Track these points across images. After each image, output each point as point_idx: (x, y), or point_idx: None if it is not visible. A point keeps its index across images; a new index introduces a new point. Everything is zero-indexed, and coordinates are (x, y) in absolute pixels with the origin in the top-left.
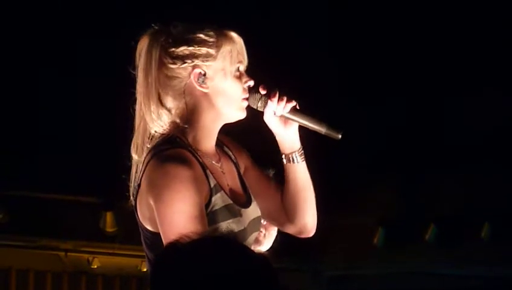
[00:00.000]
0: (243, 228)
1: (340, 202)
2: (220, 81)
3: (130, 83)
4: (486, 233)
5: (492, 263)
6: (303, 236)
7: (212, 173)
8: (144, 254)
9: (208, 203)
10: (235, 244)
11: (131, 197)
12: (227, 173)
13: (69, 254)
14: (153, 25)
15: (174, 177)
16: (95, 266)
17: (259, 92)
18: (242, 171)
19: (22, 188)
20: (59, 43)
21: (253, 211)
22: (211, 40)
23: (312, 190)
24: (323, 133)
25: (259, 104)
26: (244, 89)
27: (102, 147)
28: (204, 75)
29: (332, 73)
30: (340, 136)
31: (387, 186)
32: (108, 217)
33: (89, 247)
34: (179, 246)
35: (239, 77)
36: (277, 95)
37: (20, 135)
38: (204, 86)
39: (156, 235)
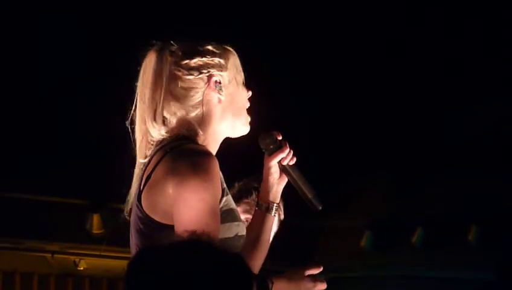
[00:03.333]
0: (244, 233)
1: (327, 205)
2: (233, 90)
3: (118, 86)
4: (473, 236)
5: (479, 266)
6: None
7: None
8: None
9: (220, 202)
10: (212, 245)
11: (132, 198)
12: (224, 183)
13: (55, 255)
14: (154, 42)
15: (200, 167)
16: (82, 268)
17: (274, 135)
18: None
19: (9, 189)
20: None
21: None
22: (219, 51)
23: (268, 246)
24: (307, 197)
25: (271, 147)
26: (247, 99)
27: (90, 149)
28: (220, 83)
29: (331, 68)
30: (320, 208)
31: (374, 189)
32: (95, 219)
33: (76, 249)
34: (154, 249)
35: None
36: (288, 145)
37: (6, 136)
38: (221, 93)
39: (164, 227)
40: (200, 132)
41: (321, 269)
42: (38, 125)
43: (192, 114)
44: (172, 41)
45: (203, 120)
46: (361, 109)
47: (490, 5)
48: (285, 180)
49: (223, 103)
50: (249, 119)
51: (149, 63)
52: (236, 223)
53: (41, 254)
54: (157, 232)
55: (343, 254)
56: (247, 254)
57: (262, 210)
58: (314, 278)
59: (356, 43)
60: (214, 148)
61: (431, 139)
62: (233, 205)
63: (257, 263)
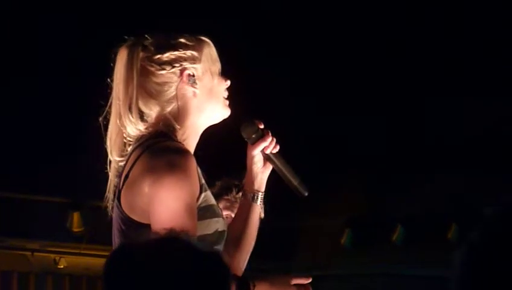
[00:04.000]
0: (224, 229)
1: (307, 203)
2: (208, 82)
3: (97, 84)
4: (453, 234)
5: None
6: None
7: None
8: None
9: (197, 199)
10: (189, 243)
11: (110, 195)
12: (202, 179)
13: (35, 253)
14: (126, 37)
15: (176, 165)
16: (62, 266)
17: (256, 124)
18: None
19: None
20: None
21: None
22: (192, 43)
23: (255, 238)
24: (292, 184)
25: (253, 136)
26: (225, 88)
27: (70, 148)
28: (194, 76)
29: (310, 73)
30: (306, 194)
31: (354, 187)
32: (76, 217)
33: (56, 247)
34: (131, 246)
35: (220, 76)
36: (270, 133)
37: None
38: (195, 86)
39: (143, 227)
40: (178, 127)
41: (310, 280)
42: (20, 123)
43: (168, 109)
44: (146, 35)
45: (180, 114)
46: (343, 106)
47: (490, 5)
48: (269, 168)
49: (199, 96)
50: (227, 102)
51: (120, 60)
52: (215, 219)
53: (21, 252)
54: (137, 231)
55: (324, 252)
56: (234, 245)
57: (248, 200)
58: (300, 288)
59: (347, 40)
60: (194, 141)
61: (413, 138)
62: (212, 200)
63: (245, 253)
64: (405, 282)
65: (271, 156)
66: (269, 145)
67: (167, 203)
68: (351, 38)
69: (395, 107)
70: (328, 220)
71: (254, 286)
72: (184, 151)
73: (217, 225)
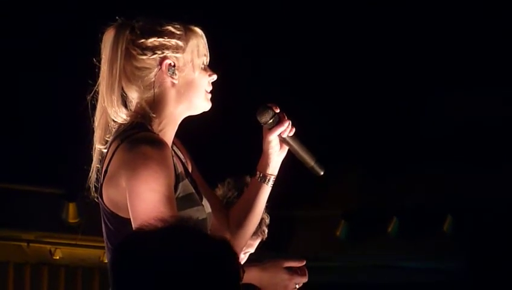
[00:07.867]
0: (205, 217)
1: (303, 195)
2: (188, 73)
3: (90, 74)
4: (448, 226)
5: (454, 256)
6: None
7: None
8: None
9: (175, 190)
10: (197, 230)
11: (92, 187)
12: (179, 168)
13: (31, 244)
14: (117, 18)
15: (151, 157)
16: (57, 257)
17: (271, 108)
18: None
19: None
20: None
21: (207, 205)
22: (179, 32)
23: (259, 219)
24: (309, 164)
25: (270, 121)
26: (208, 81)
27: (65, 137)
28: (174, 66)
29: (301, 61)
30: (322, 173)
31: (350, 179)
32: (71, 208)
33: (51, 238)
34: (141, 234)
35: (204, 70)
36: (286, 117)
37: None
38: (174, 77)
39: (123, 221)
40: (154, 116)
41: (303, 263)
42: (15, 114)
43: (145, 95)
44: (138, 17)
45: (156, 102)
46: (337, 99)
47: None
48: (285, 150)
49: (177, 86)
50: (209, 96)
51: (107, 40)
52: (195, 208)
53: (17, 243)
54: (123, 226)
55: (319, 243)
56: (238, 224)
57: (258, 181)
58: (293, 271)
59: (331, 34)
60: (172, 130)
61: (409, 130)
62: (190, 189)
63: (247, 234)
64: (400, 274)
65: (287, 139)
66: (286, 128)
67: (143, 196)
68: (350, 38)
69: (392, 101)
70: (324, 212)
71: (243, 272)
72: (158, 142)
73: (197, 213)
